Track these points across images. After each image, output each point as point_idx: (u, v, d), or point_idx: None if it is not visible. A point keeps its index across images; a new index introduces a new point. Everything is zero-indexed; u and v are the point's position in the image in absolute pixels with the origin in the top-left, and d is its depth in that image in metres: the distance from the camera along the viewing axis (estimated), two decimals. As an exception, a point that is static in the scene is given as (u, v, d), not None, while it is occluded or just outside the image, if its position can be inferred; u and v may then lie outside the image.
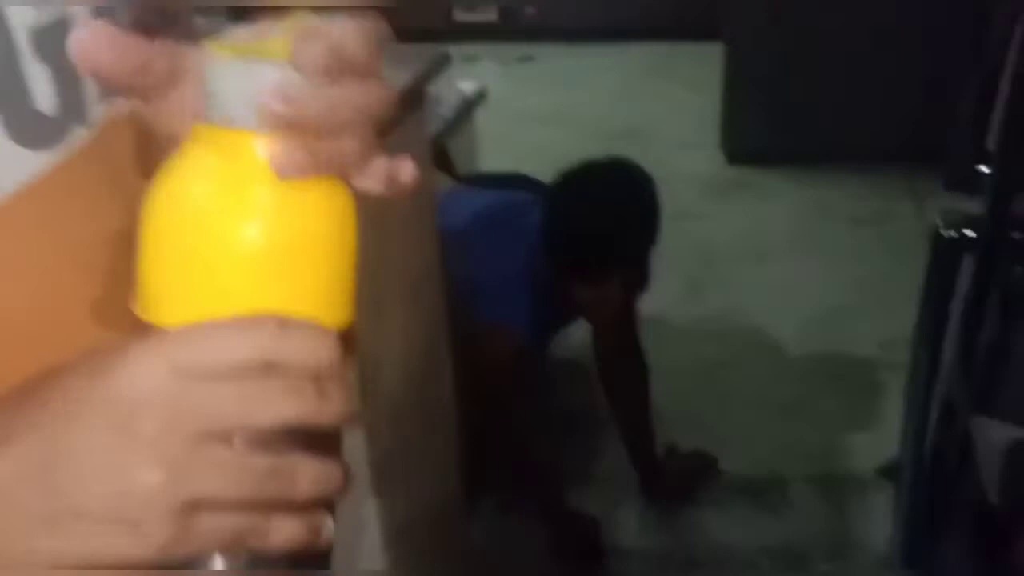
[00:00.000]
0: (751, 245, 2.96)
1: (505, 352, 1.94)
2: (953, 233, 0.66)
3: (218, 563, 0.36)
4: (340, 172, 0.37)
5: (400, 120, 1.36)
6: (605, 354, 2.10)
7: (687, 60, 4.36)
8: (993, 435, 0.63)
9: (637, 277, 1.96)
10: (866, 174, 3.24)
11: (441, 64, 1.67)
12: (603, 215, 1.88)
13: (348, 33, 0.35)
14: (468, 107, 2.62)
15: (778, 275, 2.86)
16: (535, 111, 3.97)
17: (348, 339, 0.38)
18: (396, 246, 1.37)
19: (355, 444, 1.29)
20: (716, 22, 3.38)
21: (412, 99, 1.51)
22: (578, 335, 2.41)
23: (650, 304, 2.16)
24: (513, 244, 1.96)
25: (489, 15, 4.99)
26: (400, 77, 1.44)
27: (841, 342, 2.57)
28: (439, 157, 2.20)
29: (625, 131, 3.61)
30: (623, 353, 2.07)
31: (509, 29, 4.95)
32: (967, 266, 0.68)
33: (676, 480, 2.14)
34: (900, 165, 3.19)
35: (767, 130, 3.36)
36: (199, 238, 0.36)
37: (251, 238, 0.35)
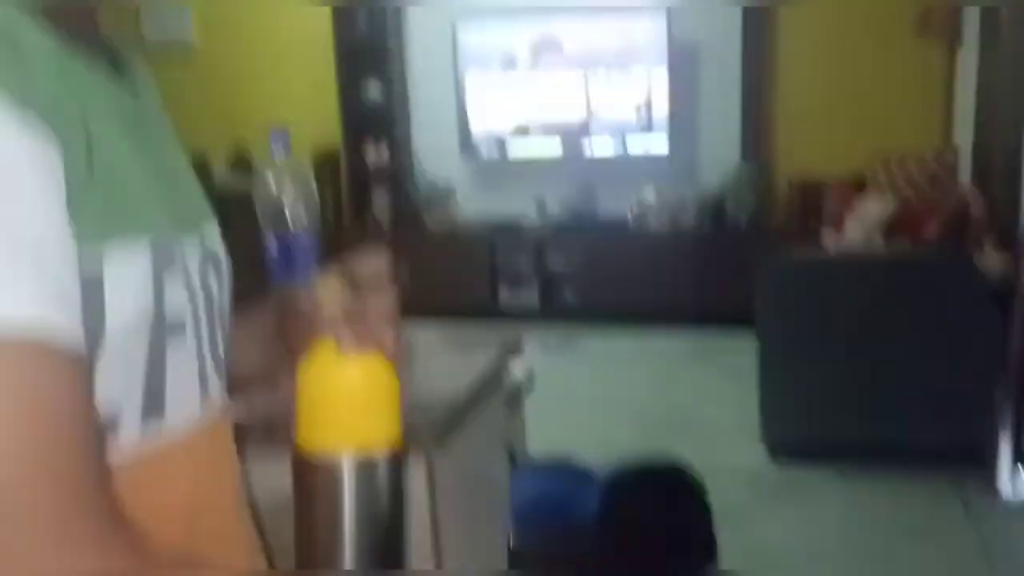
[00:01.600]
0: (799, 549, 2.78)
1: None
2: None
3: None
4: (379, 348, 0.65)
5: (482, 401, 1.40)
6: None
7: (724, 346, 4.52)
8: None
9: None
10: (912, 473, 3.10)
11: (515, 348, 1.65)
12: (657, 529, 1.97)
13: (360, 264, 0.67)
14: (519, 390, 2.58)
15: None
16: (578, 395, 4.04)
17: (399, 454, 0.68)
18: (469, 524, 1.37)
19: None
20: (751, 308, 3.34)
21: (493, 382, 1.49)
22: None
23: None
24: (568, 526, 2.08)
25: (531, 298, 5.16)
26: (478, 360, 1.46)
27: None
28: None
29: (666, 419, 3.72)
30: None
31: (550, 311, 5.13)
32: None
33: None
34: (945, 465, 3.08)
35: (807, 426, 3.26)
36: (325, 393, 0.66)
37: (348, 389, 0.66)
